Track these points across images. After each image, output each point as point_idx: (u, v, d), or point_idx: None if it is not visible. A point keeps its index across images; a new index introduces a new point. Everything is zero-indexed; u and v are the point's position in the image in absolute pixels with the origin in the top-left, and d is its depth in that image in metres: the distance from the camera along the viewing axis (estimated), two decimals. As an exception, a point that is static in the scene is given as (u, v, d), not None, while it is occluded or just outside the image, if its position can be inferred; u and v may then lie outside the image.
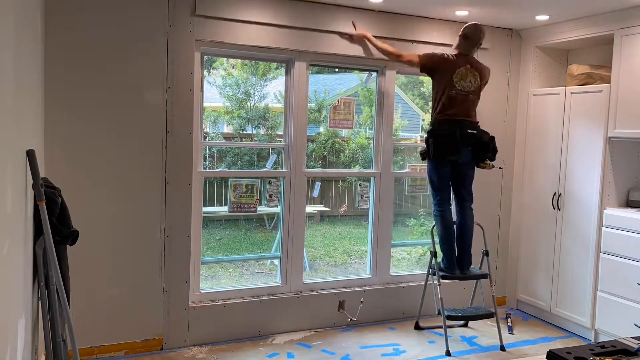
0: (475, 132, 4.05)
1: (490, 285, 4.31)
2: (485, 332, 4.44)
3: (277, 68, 7.86)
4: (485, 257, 4.38)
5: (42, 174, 2.70)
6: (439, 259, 4.23)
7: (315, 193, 5.36)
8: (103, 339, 3.70)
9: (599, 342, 2.20)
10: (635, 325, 3.85)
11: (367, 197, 4.70)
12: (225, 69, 8.25)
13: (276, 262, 4.61)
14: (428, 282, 4.44)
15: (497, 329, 4.18)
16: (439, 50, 4.30)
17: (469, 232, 4.22)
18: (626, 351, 2.10)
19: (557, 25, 4.51)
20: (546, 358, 2.09)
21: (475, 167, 4.19)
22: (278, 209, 4.48)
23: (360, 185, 4.80)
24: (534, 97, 4.82)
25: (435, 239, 4.33)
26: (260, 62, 7.84)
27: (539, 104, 4.78)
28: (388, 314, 4.60)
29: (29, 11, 2.56)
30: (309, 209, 8.02)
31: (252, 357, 3.82)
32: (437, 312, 4.32)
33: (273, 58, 4.35)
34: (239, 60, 7.79)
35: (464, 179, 4.17)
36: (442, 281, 4.18)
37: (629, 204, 4.26)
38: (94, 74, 3.52)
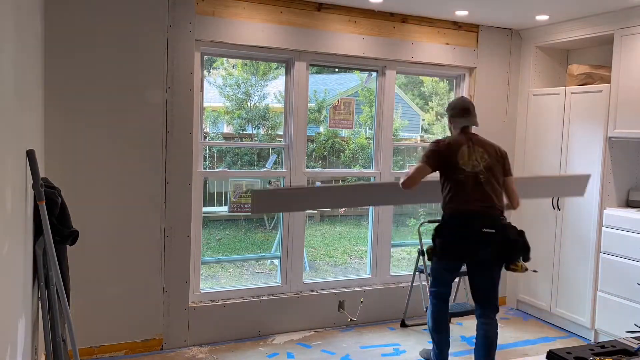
0: (494, 230, 3.18)
1: None
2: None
3: (277, 68, 7.86)
4: None
5: (42, 174, 2.70)
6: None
7: (315, 193, 5.35)
8: (103, 339, 3.70)
9: (599, 342, 2.20)
10: (635, 325, 3.85)
11: (367, 197, 4.70)
12: (225, 69, 8.25)
13: (276, 262, 4.61)
14: (415, 283, 4.47)
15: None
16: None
17: (492, 350, 3.37)
18: (626, 351, 2.10)
19: (557, 25, 4.51)
20: (546, 358, 2.09)
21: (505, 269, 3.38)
22: (278, 209, 4.48)
23: (360, 185, 4.79)
24: (534, 97, 4.82)
25: (422, 238, 4.31)
26: (260, 62, 7.84)
27: (539, 104, 4.77)
28: (388, 314, 4.60)
29: (28, 11, 2.56)
30: (309, 209, 8.02)
31: (252, 357, 3.82)
32: (424, 310, 4.28)
33: (273, 58, 4.35)
34: (240, 60, 7.79)
35: (483, 281, 3.35)
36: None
37: (629, 204, 4.26)
38: (93, 74, 3.52)
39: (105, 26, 3.52)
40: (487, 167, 3.30)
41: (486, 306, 3.38)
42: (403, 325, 4.49)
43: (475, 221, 3.20)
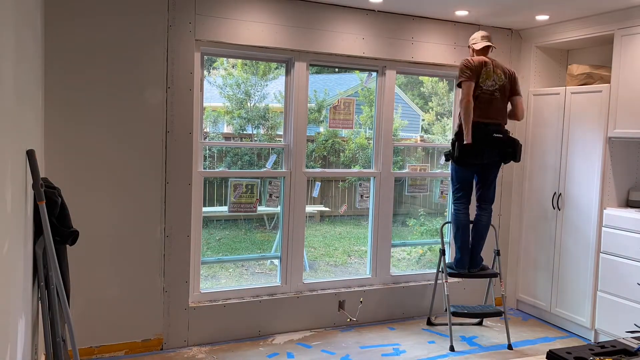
0: (501, 136, 4.02)
1: (501, 284, 4.35)
2: (484, 332, 4.44)
3: (277, 68, 7.86)
4: (496, 256, 4.41)
5: (42, 174, 2.70)
6: (448, 256, 4.32)
7: (315, 193, 5.36)
8: (103, 339, 3.70)
9: (599, 342, 2.20)
10: (635, 325, 3.85)
11: (367, 197, 4.70)
12: (225, 69, 8.25)
13: (276, 262, 4.61)
14: (438, 280, 4.49)
15: (505, 327, 4.20)
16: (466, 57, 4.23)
17: (484, 233, 4.26)
18: (626, 351, 2.10)
19: (557, 25, 4.51)
20: (546, 358, 2.09)
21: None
22: (278, 209, 4.48)
23: (360, 185, 4.79)
24: (534, 97, 4.82)
25: (444, 238, 4.40)
26: (260, 62, 7.84)
27: (539, 104, 4.77)
28: (388, 314, 4.60)
29: (28, 11, 2.56)
30: (309, 209, 8.03)
31: (252, 357, 3.82)
32: (444, 309, 4.33)
33: (273, 58, 4.35)
34: (240, 60, 7.79)
35: (486, 179, 4.22)
36: (450, 279, 4.28)
37: (629, 204, 4.26)
38: (93, 74, 3.52)
39: (105, 26, 3.52)
40: (501, 87, 4.04)
41: (488, 199, 4.25)
42: (429, 323, 4.53)
43: (489, 129, 3.97)
